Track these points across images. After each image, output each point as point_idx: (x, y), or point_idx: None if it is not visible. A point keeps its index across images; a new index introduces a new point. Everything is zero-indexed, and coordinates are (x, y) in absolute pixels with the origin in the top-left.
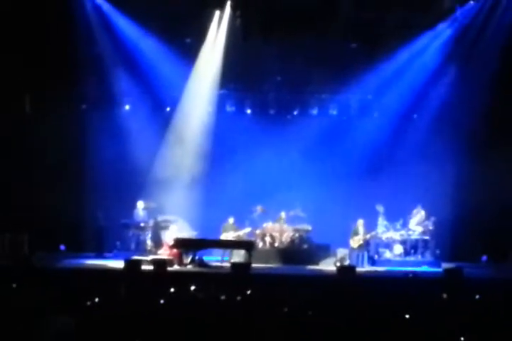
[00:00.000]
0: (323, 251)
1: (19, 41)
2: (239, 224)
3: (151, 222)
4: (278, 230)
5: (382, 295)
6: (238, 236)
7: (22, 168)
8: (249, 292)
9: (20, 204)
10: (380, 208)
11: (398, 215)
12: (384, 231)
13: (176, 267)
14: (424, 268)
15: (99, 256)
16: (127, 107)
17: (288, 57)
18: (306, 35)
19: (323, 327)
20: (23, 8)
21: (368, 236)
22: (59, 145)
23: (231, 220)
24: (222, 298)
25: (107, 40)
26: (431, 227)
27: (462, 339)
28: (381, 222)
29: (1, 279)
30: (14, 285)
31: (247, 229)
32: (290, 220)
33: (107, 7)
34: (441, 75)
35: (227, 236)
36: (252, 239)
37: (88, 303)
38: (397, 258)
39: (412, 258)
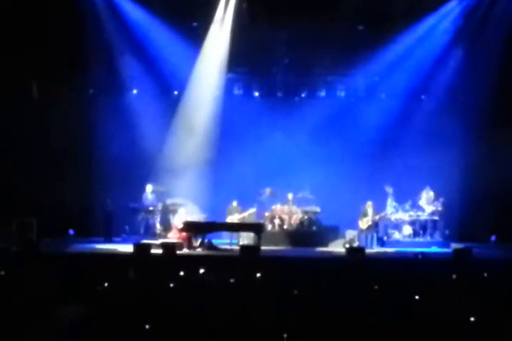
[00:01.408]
0: (332, 232)
1: (26, 28)
2: (247, 207)
3: (159, 206)
4: (287, 212)
5: (391, 276)
6: (244, 217)
7: (30, 154)
8: (258, 274)
9: (29, 190)
10: (389, 189)
11: (407, 196)
12: (393, 212)
13: (185, 250)
14: (434, 249)
15: (108, 240)
16: (135, 92)
17: (295, 40)
18: (313, 17)
19: (333, 309)
20: None
21: (376, 217)
22: (67, 130)
23: (235, 203)
24: (232, 280)
25: (114, 25)
26: (440, 208)
27: (472, 319)
28: (390, 203)
29: (8, 265)
30: (22, 272)
31: (252, 210)
32: (299, 202)
33: None
34: (449, 57)
35: (233, 218)
36: (261, 221)
37: (98, 288)
38: (407, 239)
39: (421, 239)
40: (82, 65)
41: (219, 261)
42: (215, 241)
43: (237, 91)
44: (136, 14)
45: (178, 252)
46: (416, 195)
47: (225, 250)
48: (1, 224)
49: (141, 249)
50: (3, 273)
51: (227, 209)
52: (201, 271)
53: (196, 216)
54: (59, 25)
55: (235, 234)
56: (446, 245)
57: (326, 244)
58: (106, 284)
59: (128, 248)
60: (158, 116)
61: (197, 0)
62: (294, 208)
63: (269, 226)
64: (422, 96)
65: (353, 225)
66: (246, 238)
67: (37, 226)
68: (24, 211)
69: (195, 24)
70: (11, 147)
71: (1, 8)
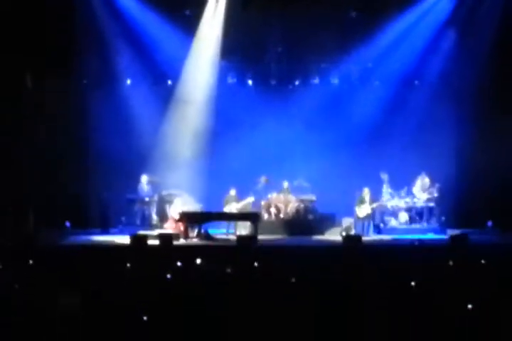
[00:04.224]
0: (329, 220)
1: (18, 18)
2: (242, 196)
3: (155, 197)
4: (283, 201)
5: (388, 263)
6: (242, 206)
7: (25, 146)
8: (255, 264)
9: (24, 182)
10: (385, 176)
11: (402, 183)
12: (389, 199)
13: (181, 241)
14: (430, 236)
15: (105, 231)
16: (128, 81)
17: (288, 28)
18: (305, 4)
19: (330, 297)
20: None
21: (374, 205)
22: (61, 121)
23: (232, 192)
24: (229, 270)
25: (106, 14)
26: (436, 194)
27: (469, 306)
28: (386, 189)
29: (5, 259)
30: (18, 265)
31: (251, 199)
32: (294, 190)
33: None
34: (441, 42)
35: (231, 208)
36: (258, 210)
37: (95, 279)
38: (403, 226)
39: (417, 226)
40: (75, 56)
41: (216, 251)
42: (211, 231)
43: (230, 79)
44: (129, 3)
45: (174, 243)
46: (411, 182)
47: (222, 240)
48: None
49: (138, 240)
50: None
51: (225, 199)
52: (198, 261)
53: (192, 206)
54: (51, 16)
55: (231, 224)
56: (442, 231)
57: (322, 232)
58: (103, 275)
59: (125, 239)
60: (153, 106)
61: None
62: (290, 196)
63: (266, 216)
64: (416, 82)
65: (350, 213)
66: (243, 227)
67: (33, 219)
68: (20, 204)
69: (187, 12)
70: (4, 140)
71: None
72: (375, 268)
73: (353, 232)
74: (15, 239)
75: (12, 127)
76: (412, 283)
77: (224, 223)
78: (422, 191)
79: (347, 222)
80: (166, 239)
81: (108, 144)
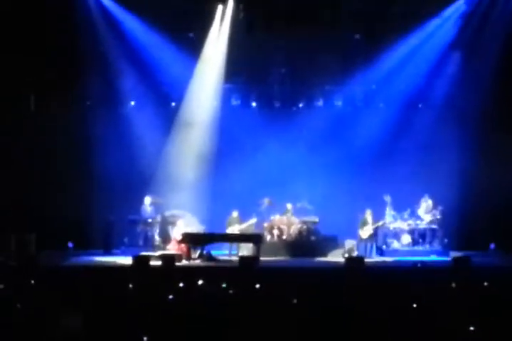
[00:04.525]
0: (331, 242)
1: (22, 40)
2: (245, 217)
3: (158, 218)
4: (286, 223)
5: (390, 285)
6: (245, 228)
7: (28, 167)
8: (258, 285)
9: (27, 203)
10: (388, 198)
11: (405, 205)
12: (391, 221)
13: (184, 262)
14: (433, 258)
15: (108, 252)
16: (132, 103)
17: (292, 50)
18: (310, 26)
19: (332, 318)
20: (25, 8)
21: (377, 224)
22: (64, 142)
23: (235, 214)
24: (231, 291)
25: (110, 36)
26: (439, 216)
27: (471, 327)
28: (389, 211)
29: (7, 279)
30: (21, 286)
31: (253, 220)
32: (297, 212)
33: (109, 4)
34: (446, 64)
35: (233, 229)
36: (260, 232)
37: (97, 300)
38: (406, 248)
39: (420, 248)
40: (79, 77)
41: (218, 272)
42: (214, 252)
43: (234, 101)
44: (133, 25)
45: (177, 264)
46: (414, 204)
47: (224, 261)
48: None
49: (140, 261)
50: (2, 286)
51: (227, 220)
52: (200, 282)
53: (195, 227)
54: (55, 36)
55: (234, 245)
56: (445, 253)
57: (325, 254)
58: (105, 296)
59: (127, 260)
60: (156, 128)
61: (193, 11)
62: (293, 218)
63: (268, 237)
64: (420, 105)
65: (352, 235)
66: (245, 249)
67: (36, 239)
68: (23, 224)
69: (191, 35)
70: (9, 160)
71: None
72: (378, 289)
73: (355, 254)
74: (17, 259)
75: (16, 148)
76: (414, 305)
77: (227, 244)
78: (425, 213)
79: (349, 243)
80: (168, 260)
81: (111, 165)
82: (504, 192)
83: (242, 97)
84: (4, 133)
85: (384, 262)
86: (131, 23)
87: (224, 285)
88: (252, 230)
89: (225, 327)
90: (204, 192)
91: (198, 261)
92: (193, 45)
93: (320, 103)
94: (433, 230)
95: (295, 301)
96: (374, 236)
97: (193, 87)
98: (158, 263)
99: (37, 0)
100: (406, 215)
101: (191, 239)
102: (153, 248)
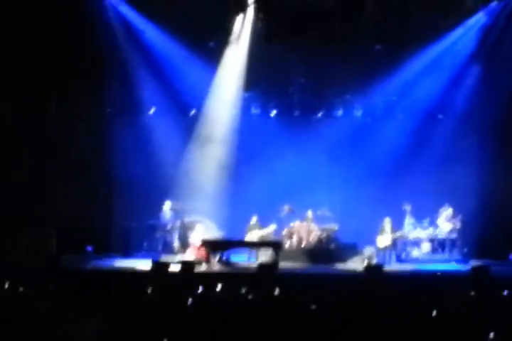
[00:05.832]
0: (351, 250)
1: (46, 46)
2: (264, 223)
3: (178, 223)
4: (305, 230)
5: (410, 293)
6: (264, 234)
7: (49, 170)
8: (276, 292)
9: (47, 206)
10: (407, 207)
11: (425, 214)
12: (411, 229)
13: (203, 267)
14: (452, 266)
15: (127, 257)
16: (152, 111)
17: (312, 59)
18: (330, 36)
19: (351, 325)
20: (50, 15)
21: (395, 235)
22: (85, 145)
23: (254, 219)
24: (250, 297)
25: (131, 45)
26: (458, 226)
27: (491, 336)
28: (408, 220)
29: (27, 281)
30: (41, 288)
31: (273, 226)
32: (317, 220)
33: (130, 13)
34: (466, 76)
35: (252, 235)
36: (279, 238)
37: (116, 305)
38: (425, 256)
39: (439, 256)
40: (100, 84)
41: (237, 278)
42: (233, 258)
43: (254, 110)
44: (153, 35)
45: (196, 269)
46: (434, 212)
47: (243, 267)
48: (15, 238)
49: (159, 266)
50: (21, 289)
51: (247, 226)
52: (219, 287)
53: (214, 233)
54: (77, 45)
55: (253, 251)
56: (465, 262)
57: (344, 262)
58: (125, 300)
59: (146, 265)
60: (176, 136)
61: (213, 20)
62: (313, 225)
63: (287, 244)
64: (440, 116)
65: (371, 242)
66: (264, 255)
67: (56, 242)
68: (43, 227)
69: (211, 44)
70: (31, 164)
71: (24, 24)
72: (397, 297)
73: (374, 262)
74: (38, 261)
75: (38, 151)
76: (434, 313)
77: (246, 250)
78: (445, 222)
79: (369, 251)
80: (187, 265)
81: (131, 171)
82: None
83: (262, 106)
84: (27, 136)
85: (403, 270)
86: (151, 32)
87: (243, 291)
88: (272, 236)
89: (244, 332)
90: (224, 199)
91: (216, 267)
92: (213, 54)
93: (340, 113)
94: (453, 239)
95: (313, 307)
96: (392, 244)
97: (212, 95)
98: (177, 268)
99: (61, 10)
100: (426, 224)
101: (210, 245)
102: (172, 253)
